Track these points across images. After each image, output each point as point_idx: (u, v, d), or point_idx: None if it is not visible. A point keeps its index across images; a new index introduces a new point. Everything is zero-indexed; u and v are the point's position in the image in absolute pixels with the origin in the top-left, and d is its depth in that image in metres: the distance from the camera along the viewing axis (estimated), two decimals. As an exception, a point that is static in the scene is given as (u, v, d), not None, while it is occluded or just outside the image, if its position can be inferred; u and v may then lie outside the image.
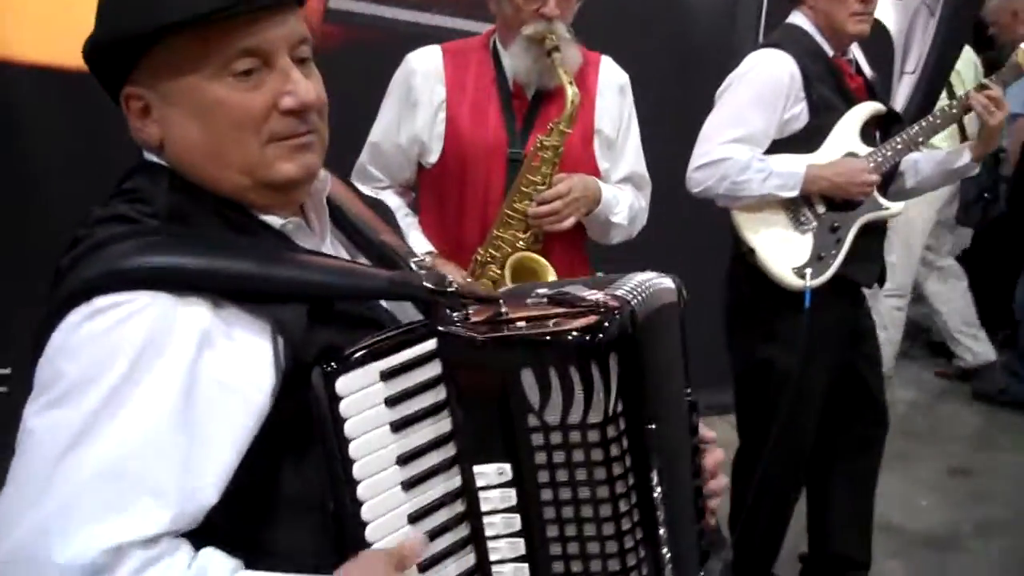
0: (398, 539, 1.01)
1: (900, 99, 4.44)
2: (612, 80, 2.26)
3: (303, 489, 1.03)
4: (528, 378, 1.03)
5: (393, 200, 2.20)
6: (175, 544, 0.95)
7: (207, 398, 0.96)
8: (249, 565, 0.99)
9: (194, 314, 0.97)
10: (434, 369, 1.05)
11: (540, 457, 1.05)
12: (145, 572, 0.91)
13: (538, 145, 2.05)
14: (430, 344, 1.05)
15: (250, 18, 1.02)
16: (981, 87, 2.52)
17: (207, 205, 1.07)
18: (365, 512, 1.00)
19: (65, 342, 0.95)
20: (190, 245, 1.02)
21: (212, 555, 0.96)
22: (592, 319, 1.05)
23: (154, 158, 1.10)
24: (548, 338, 1.03)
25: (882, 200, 2.54)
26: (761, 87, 2.48)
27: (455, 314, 1.09)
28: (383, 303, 1.15)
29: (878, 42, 4.29)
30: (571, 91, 2.02)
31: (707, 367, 2.63)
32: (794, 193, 2.47)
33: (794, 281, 2.47)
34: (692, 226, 3.14)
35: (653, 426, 1.11)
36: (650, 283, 1.18)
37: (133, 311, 0.95)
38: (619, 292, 1.12)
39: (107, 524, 0.90)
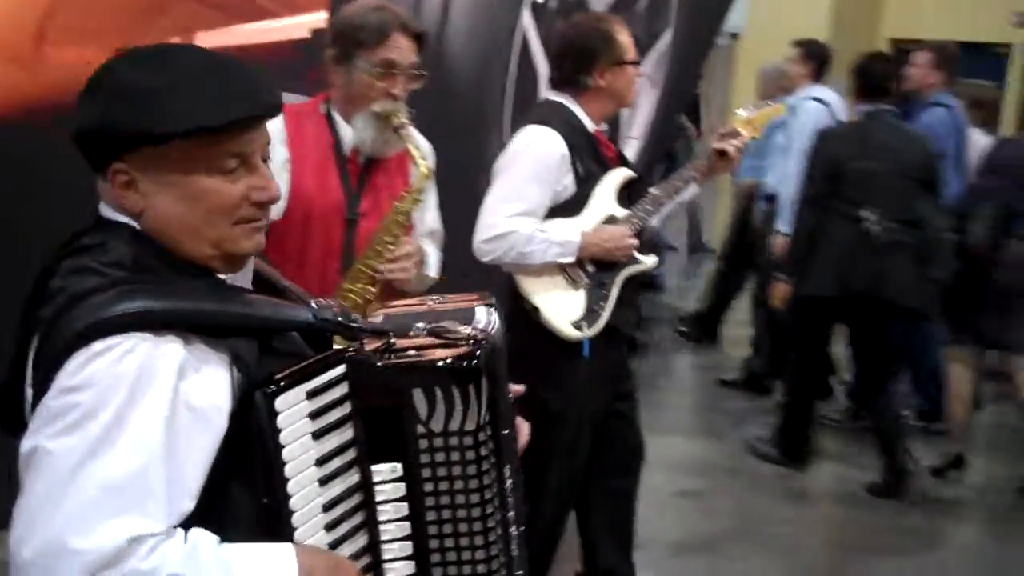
0: (317, 524, 1.27)
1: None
2: (422, 146, 2.56)
3: (244, 493, 1.23)
4: (418, 395, 1.32)
5: None
6: (171, 530, 1.14)
7: (183, 422, 1.17)
8: None
9: (172, 350, 1.17)
10: (342, 389, 1.32)
11: (425, 457, 1.34)
12: (154, 552, 1.10)
13: (395, 210, 2.33)
14: (340, 369, 1.32)
15: (242, 128, 1.24)
16: (721, 136, 2.97)
17: (168, 260, 1.25)
18: (293, 502, 1.24)
19: (72, 379, 1.13)
20: (160, 291, 1.21)
21: (198, 532, 1.16)
22: (466, 349, 1.36)
23: (118, 217, 1.26)
24: (437, 364, 1.33)
25: (639, 256, 2.94)
26: (538, 165, 2.82)
27: (355, 343, 1.37)
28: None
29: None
30: (424, 165, 2.34)
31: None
32: (572, 259, 2.84)
33: (573, 333, 2.85)
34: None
35: (507, 432, 1.43)
36: (493, 316, 1.49)
37: (125, 351, 1.14)
38: (480, 326, 1.44)
39: (122, 520, 1.09)
